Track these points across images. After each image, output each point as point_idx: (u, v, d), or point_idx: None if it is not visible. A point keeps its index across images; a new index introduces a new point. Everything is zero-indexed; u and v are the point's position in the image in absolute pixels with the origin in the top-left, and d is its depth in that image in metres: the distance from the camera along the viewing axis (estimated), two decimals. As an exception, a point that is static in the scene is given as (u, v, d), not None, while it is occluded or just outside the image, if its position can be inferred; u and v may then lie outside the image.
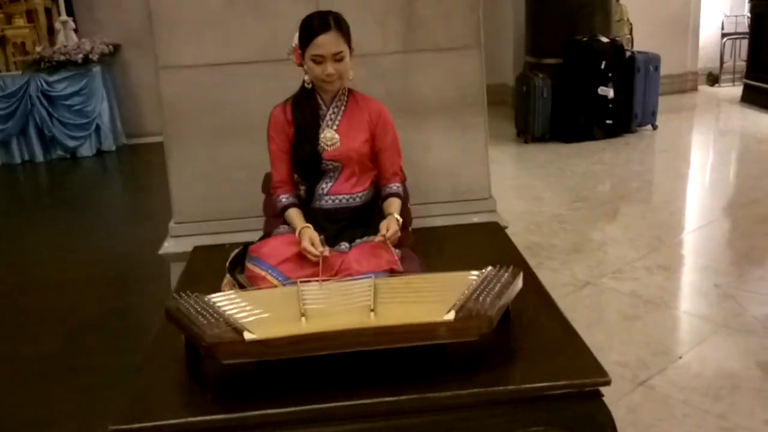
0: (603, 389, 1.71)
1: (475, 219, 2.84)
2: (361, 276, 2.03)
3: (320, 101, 2.28)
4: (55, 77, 6.27)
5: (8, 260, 4.18)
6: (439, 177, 2.84)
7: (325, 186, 2.31)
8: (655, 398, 2.37)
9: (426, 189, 2.83)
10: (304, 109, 2.26)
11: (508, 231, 3.76)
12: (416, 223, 2.78)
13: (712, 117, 6.85)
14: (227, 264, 2.25)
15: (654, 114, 6.18)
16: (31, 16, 6.49)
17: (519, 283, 1.97)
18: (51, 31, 6.66)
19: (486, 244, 2.65)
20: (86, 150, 6.56)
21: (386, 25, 2.68)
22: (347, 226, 2.27)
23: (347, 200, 2.30)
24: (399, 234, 2.17)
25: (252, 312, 1.82)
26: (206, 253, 2.68)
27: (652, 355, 2.62)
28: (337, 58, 2.16)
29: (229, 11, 2.64)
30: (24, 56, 6.37)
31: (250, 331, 1.70)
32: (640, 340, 2.74)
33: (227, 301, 1.90)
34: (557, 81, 5.97)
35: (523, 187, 4.76)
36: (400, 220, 2.24)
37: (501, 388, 1.72)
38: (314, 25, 2.16)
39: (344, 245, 2.22)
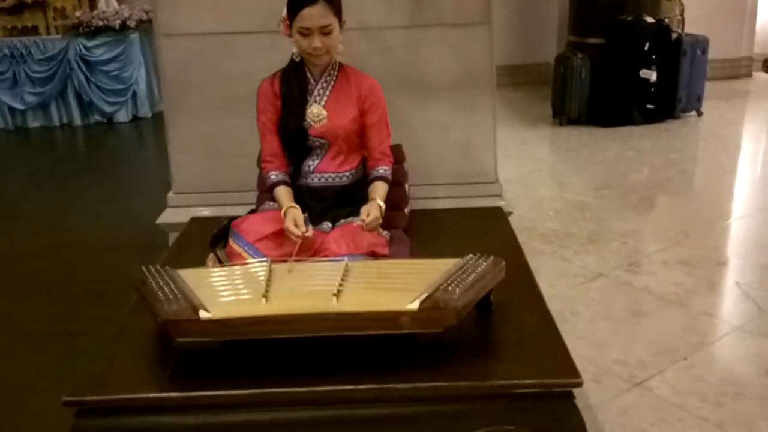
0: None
1: (480, 203, 2.73)
2: (338, 258, 1.97)
3: (309, 75, 2.21)
4: (93, 42, 6.34)
5: (33, 222, 4.25)
6: (443, 158, 2.75)
7: (311, 163, 2.24)
8: (649, 400, 2.26)
9: (429, 170, 2.74)
10: (292, 83, 2.20)
11: (522, 216, 3.69)
12: (418, 205, 2.70)
13: (765, 106, 6.51)
14: (210, 239, 2.22)
15: (699, 100, 5.89)
16: (72, -20, 6.58)
17: (500, 274, 1.88)
18: (91, -5, 6.73)
19: (485, 229, 2.54)
20: (123, 116, 6.62)
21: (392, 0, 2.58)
22: (333, 205, 2.21)
23: (333, 179, 2.24)
24: (380, 221, 2.09)
25: (216, 290, 1.79)
26: (202, 225, 2.64)
27: (655, 355, 2.49)
28: (325, 31, 2.08)
29: (233, -19, 2.58)
30: (64, 20, 6.45)
31: (206, 310, 1.66)
32: (644, 338, 2.61)
33: (195, 278, 1.86)
34: (598, 62, 5.74)
35: (549, 172, 4.60)
36: (383, 206, 2.15)
37: (464, 383, 1.65)
38: (299, -4, 2.08)
39: (326, 225, 2.16)
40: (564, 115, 5.78)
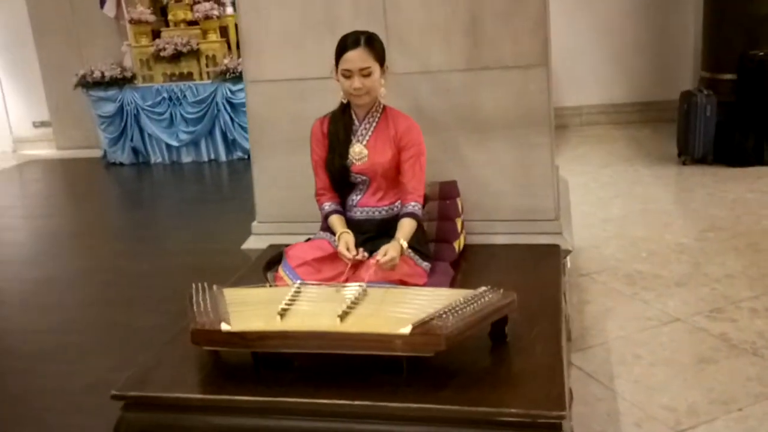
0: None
1: (537, 240, 2.77)
2: (367, 284, 2.13)
3: (354, 116, 2.41)
4: (238, 86, 6.99)
5: (169, 244, 4.78)
6: (502, 195, 2.82)
7: (355, 198, 2.43)
8: (689, 449, 2.18)
9: (488, 206, 2.83)
10: (338, 123, 2.41)
11: (609, 256, 3.65)
12: (477, 239, 2.81)
13: None
14: (265, 264, 2.47)
15: None
16: (222, 31, 7.30)
17: (508, 307, 1.95)
18: (239, 45, 7.41)
19: (533, 266, 2.58)
20: (262, 152, 7.22)
21: (452, 43, 2.72)
22: (373, 237, 2.38)
23: (373, 213, 2.41)
24: (395, 261, 2.19)
25: (246, 307, 2.01)
26: (276, 251, 2.92)
27: (709, 404, 2.39)
28: (364, 73, 2.28)
29: (308, 32, 2.85)
30: (214, 67, 7.17)
31: (227, 323, 1.89)
32: (703, 386, 2.50)
33: (235, 296, 2.10)
34: (730, 98, 5.46)
35: (656, 212, 4.44)
36: (404, 245, 2.27)
37: (453, 407, 1.73)
38: (346, 42, 2.30)
39: (364, 255, 2.33)
40: (688, 154, 5.54)
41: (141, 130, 7.30)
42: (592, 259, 3.74)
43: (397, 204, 2.42)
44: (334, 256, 2.30)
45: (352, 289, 2.02)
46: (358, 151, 2.39)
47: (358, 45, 2.27)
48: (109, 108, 7.19)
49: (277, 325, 1.87)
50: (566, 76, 7.18)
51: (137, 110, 7.20)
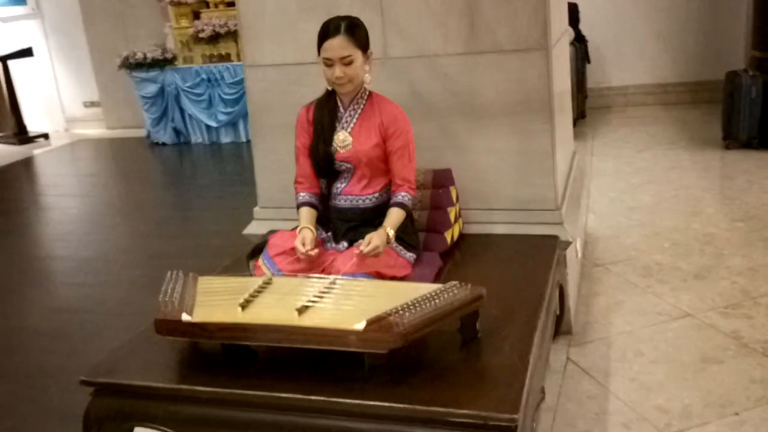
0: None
1: (538, 231, 2.68)
2: (342, 276, 2.10)
3: (339, 104, 2.37)
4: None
5: (191, 225, 4.84)
6: (500, 184, 2.74)
7: (339, 186, 2.39)
8: (677, 454, 2.09)
9: (487, 195, 2.76)
10: (323, 111, 2.37)
11: (629, 246, 3.52)
12: (474, 229, 2.74)
13: None
14: (250, 251, 2.47)
15: None
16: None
17: (475, 304, 1.89)
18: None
19: (526, 258, 2.50)
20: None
21: (448, 26, 2.64)
22: (357, 225, 2.34)
23: (357, 201, 2.36)
24: (379, 249, 2.16)
25: (213, 297, 2.00)
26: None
27: (705, 406, 2.27)
28: (346, 61, 2.22)
29: (304, 16, 2.80)
30: (253, 48, 7.19)
31: (189, 314, 1.89)
32: (702, 387, 2.38)
33: (206, 285, 2.10)
34: (779, 79, 5.16)
35: (687, 199, 4.24)
36: (391, 234, 2.23)
37: (404, 405, 1.69)
38: (326, 30, 2.25)
39: (342, 245, 2.30)
40: (732, 138, 5.27)
41: (182, 111, 7.41)
42: (611, 248, 3.61)
43: (381, 193, 2.37)
44: (315, 246, 2.27)
45: (319, 282, 1.99)
46: (342, 138, 2.34)
47: (338, 33, 2.22)
48: (151, 89, 7.33)
49: (236, 317, 1.86)
50: (611, 54, 6.93)
51: (177, 91, 7.31)
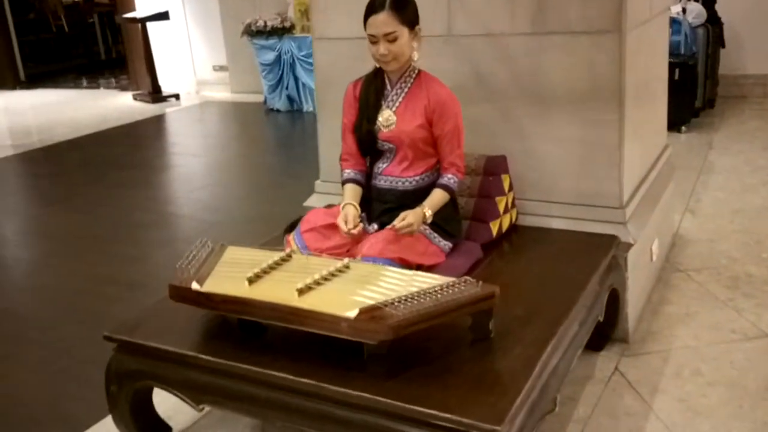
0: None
1: (597, 228, 2.49)
2: (363, 259, 2.06)
3: (387, 81, 2.29)
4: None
5: (271, 195, 4.86)
6: (562, 175, 2.56)
7: (381, 165, 2.33)
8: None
9: (547, 186, 2.60)
10: (370, 88, 2.30)
11: (722, 254, 3.27)
12: (531, 221, 2.62)
13: None
14: (288, 225, 2.47)
15: None
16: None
17: (484, 302, 1.78)
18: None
19: (576, 256, 2.33)
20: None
21: (515, 4, 2.47)
22: (393, 208, 2.27)
23: (396, 183, 2.29)
24: (413, 227, 2.08)
25: (232, 268, 2.01)
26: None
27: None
28: (390, 38, 2.14)
29: (372, -12, 2.73)
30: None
31: (200, 284, 1.91)
32: (758, 419, 2.12)
33: (232, 255, 2.11)
34: None
35: (806, 206, 3.80)
36: (428, 213, 2.14)
37: (389, 401, 1.63)
38: (371, 5, 2.17)
39: (374, 226, 2.24)
40: None
41: (296, 79, 7.54)
42: (700, 254, 3.30)
43: (422, 177, 2.28)
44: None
45: (332, 264, 1.95)
46: (386, 117, 2.27)
47: (382, 8, 2.13)
48: (269, 56, 7.51)
49: (241, 290, 1.87)
50: (750, 38, 6.29)
51: (293, 59, 7.45)
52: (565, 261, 2.31)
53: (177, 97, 8.80)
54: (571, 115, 2.49)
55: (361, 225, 2.18)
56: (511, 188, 2.53)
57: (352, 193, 2.30)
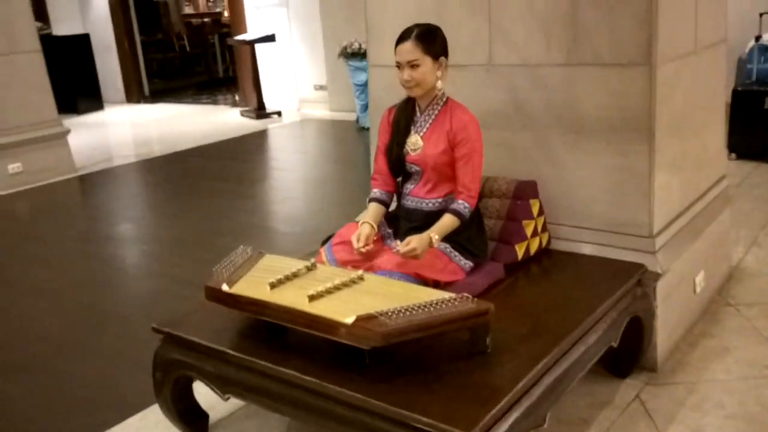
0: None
1: (626, 256, 2.53)
2: (379, 272, 2.22)
3: (417, 108, 2.45)
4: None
5: (337, 212, 5.08)
6: (593, 202, 2.62)
7: (409, 186, 2.48)
8: None
9: (578, 212, 2.67)
10: (402, 113, 2.47)
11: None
12: (562, 246, 2.69)
13: None
14: (326, 237, 2.66)
15: None
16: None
17: (477, 319, 1.89)
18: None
19: (595, 284, 2.39)
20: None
21: (551, 35, 2.57)
22: (418, 227, 2.41)
23: (421, 204, 2.44)
24: (416, 251, 2.21)
25: (264, 274, 2.22)
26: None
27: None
28: (412, 65, 2.31)
29: (421, 20, 2.88)
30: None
31: (230, 285, 2.14)
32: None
33: (268, 262, 2.33)
34: None
35: None
36: (435, 238, 2.26)
37: (374, 401, 1.78)
38: (400, 35, 2.35)
39: (395, 243, 2.39)
40: None
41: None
42: (757, 289, 3.22)
43: (446, 199, 2.41)
44: (374, 240, 2.39)
45: (347, 275, 2.12)
46: (414, 141, 2.43)
47: (409, 38, 2.31)
48: (362, 77, 7.81)
49: (262, 294, 2.07)
50: None
51: (386, 81, 7.72)
52: (584, 286, 2.38)
53: (279, 113, 9.28)
54: (603, 144, 2.55)
55: (371, 245, 2.33)
56: (541, 213, 2.62)
57: (373, 212, 2.47)
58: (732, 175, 4.94)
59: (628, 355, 2.52)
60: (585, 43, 2.51)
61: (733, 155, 5.24)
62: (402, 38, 2.34)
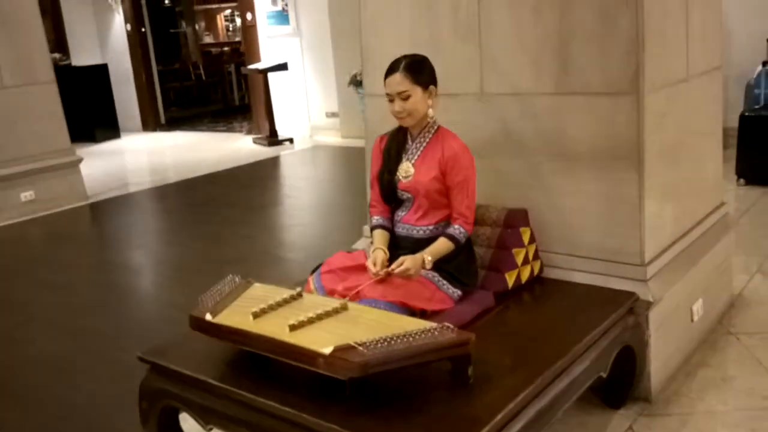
0: None
1: (618, 285, 2.51)
2: (364, 301, 2.21)
3: (408, 136, 2.46)
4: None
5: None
6: (584, 230, 2.61)
7: (400, 213, 2.50)
8: None
9: (569, 240, 2.65)
10: (393, 141, 2.50)
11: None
12: (554, 274, 2.68)
13: None
14: (316, 266, 2.66)
15: None
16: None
17: (457, 348, 1.88)
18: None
19: (585, 311, 2.37)
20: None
21: (540, 65, 2.58)
22: (408, 254, 2.40)
23: (412, 231, 2.45)
24: (410, 272, 2.21)
25: (250, 302, 2.23)
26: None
27: None
28: (403, 96, 2.33)
29: (415, 51, 2.91)
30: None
31: (214, 315, 2.14)
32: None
33: (255, 291, 2.33)
34: None
35: None
36: (428, 260, 2.27)
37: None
38: (389, 67, 2.37)
39: (383, 272, 2.39)
40: None
41: (397, 127, 7.84)
42: (759, 316, 3.17)
43: (436, 226, 2.42)
44: (362, 268, 2.39)
45: (331, 304, 2.12)
46: (405, 168, 2.45)
47: (396, 70, 2.34)
48: (372, 104, 7.88)
49: (244, 323, 2.07)
50: None
51: (395, 108, 7.76)
52: (573, 314, 2.36)
53: (291, 140, 9.36)
54: (594, 172, 2.54)
55: (386, 269, 2.33)
56: (532, 240, 2.60)
57: (382, 238, 2.47)
58: (740, 200, 4.91)
59: (622, 386, 2.49)
60: (574, 72, 2.51)
61: (742, 181, 5.19)
62: (391, 70, 2.36)
